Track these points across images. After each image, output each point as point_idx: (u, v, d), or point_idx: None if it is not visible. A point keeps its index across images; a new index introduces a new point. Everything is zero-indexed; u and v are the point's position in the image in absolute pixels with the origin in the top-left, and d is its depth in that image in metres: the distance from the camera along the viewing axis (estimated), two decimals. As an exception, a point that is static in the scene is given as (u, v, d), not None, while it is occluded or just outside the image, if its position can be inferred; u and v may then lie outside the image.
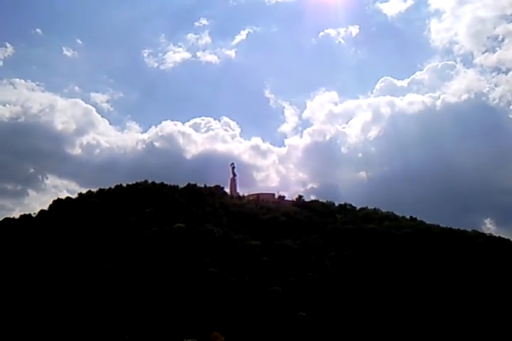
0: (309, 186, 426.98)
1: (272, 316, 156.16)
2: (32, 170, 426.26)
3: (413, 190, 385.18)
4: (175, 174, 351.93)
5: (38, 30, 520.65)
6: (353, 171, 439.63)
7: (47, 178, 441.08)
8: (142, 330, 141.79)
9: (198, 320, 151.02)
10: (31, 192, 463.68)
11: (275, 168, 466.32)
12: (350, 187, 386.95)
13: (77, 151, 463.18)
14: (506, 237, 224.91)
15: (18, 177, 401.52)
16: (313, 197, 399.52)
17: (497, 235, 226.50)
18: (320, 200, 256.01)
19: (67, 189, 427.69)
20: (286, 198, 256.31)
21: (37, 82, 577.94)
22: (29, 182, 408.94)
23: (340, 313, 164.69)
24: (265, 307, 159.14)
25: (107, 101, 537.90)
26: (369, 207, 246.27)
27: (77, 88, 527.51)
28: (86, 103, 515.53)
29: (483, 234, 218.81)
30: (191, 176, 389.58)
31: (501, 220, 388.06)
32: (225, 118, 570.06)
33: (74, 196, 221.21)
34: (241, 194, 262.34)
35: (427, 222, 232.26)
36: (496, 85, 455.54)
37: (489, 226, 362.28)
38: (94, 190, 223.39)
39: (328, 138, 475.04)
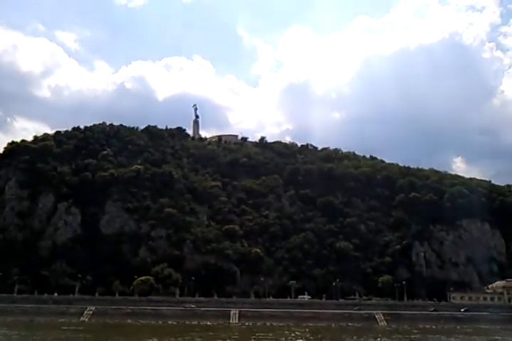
0: (285, 127, 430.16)
1: (229, 254, 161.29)
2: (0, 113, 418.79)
3: (386, 131, 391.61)
4: (147, 116, 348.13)
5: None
6: (327, 112, 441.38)
7: (16, 121, 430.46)
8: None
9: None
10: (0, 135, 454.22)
11: (249, 108, 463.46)
12: (325, 127, 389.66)
13: (45, 93, 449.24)
14: (474, 175, 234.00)
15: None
16: (288, 138, 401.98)
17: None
18: (282, 141, 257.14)
19: (38, 131, 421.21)
20: (249, 140, 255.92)
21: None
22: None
23: (295, 250, 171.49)
24: (223, 245, 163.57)
25: (75, 41, 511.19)
26: (330, 148, 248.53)
27: (41, 26, 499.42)
28: (52, 42, 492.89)
29: (439, 172, 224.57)
30: (164, 118, 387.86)
31: (471, 159, 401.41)
32: (198, 57, 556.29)
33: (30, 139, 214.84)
34: (203, 136, 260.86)
35: (387, 161, 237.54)
36: (470, 24, 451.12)
37: (459, 165, 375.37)
38: (50, 132, 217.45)
39: (302, 78, 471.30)
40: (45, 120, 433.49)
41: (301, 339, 68.73)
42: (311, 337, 72.00)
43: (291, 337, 71.23)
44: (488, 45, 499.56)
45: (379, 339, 71.94)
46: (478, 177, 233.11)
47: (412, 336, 77.78)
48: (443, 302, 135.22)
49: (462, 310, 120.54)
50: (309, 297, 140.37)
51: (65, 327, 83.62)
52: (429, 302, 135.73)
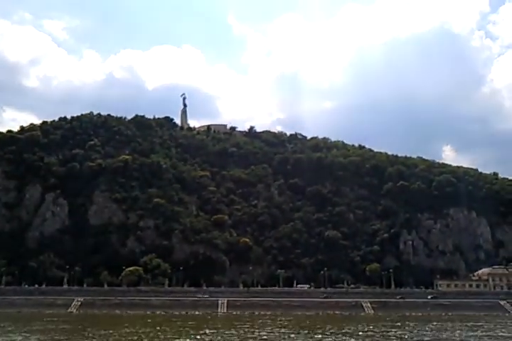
0: (276, 116, 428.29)
1: (218, 243, 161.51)
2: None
3: (376, 119, 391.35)
4: (137, 106, 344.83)
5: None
6: (318, 101, 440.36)
7: (4, 111, 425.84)
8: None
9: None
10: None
11: (240, 98, 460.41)
12: (316, 116, 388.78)
13: (34, 83, 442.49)
14: (463, 163, 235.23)
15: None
16: (279, 128, 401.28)
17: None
18: (271, 131, 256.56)
19: (27, 122, 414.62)
20: (239, 129, 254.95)
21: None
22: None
23: (284, 239, 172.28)
24: (212, 235, 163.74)
25: (63, 29, 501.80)
26: (319, 137, 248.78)
27: (28, 15, 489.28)
28: (39, 31, 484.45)
29: (427, 161, 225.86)
30: (154, 108, 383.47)
31: (461, 147, 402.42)
32: (188, 46, 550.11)
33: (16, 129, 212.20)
34: (193, 125, 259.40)
35: (375, 150, 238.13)
36: (459, 12, 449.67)
37: (448, 153, 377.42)
38: (36, 122, 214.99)
39: (293, 67, 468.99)
40: (34, 110, 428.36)
41: (279, 328, 69.00)
42: (289, 326, 72.34)
43: (271, 326, 71.57)
44: (478, 34, 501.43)
45: (360, 326, 72.59)
46: (467, 166, 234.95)
47: (397, 323, 78.43)
48: (429, 290, 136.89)
49: (429, 297, 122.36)
50: (308, 286, 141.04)
51: (48, 319, 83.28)
52: (416, 290, 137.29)
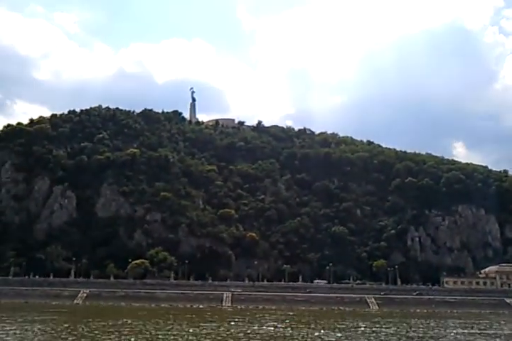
0: (285, 111, 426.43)
1: (225, 237, 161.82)
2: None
3: (387, 115, 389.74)
4: (146, 99, 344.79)
5: None
6: (328, 96, 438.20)
7: (16, 104, 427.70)
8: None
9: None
10: (0, 118, 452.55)
11: (250, 92, 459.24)
12: (326, 111, 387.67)
13: (45, 76, 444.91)
14: (475, 160, 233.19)
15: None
16: (289, 123, 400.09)
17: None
18: (279, 125, 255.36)
19: (38, 114, 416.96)
20: (247, 124, 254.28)
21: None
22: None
23: (291, 234, 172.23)
24: (219, 229, 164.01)
25: (74, 22, 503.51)
26: (328, 132, 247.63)
27: (40, 8, 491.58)
28: (51, 24, 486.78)
29: (436, 157, 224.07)
30: (164, 101, 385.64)
31: (472, 144, 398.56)
32: (198, 40, 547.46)
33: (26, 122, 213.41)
34: (201, 119, 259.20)
35: (384, 146, 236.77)
36: (473, 7, 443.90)
37: (460, 150, 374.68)
38: (47, 115, 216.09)
39: (303, 61, 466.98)
40: (44, 103, 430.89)
41: (275, 322, 68.94)
42: (286, 321, 72.24)
43: (267, 321, 71.56)
44: (491, 29, 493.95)
45: (356, 322, 72.31)
46: (479, 163, 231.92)
47: (397, 320, 78.08)
48: (435, 287, 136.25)
49: (414, 293, 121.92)
50: (325, 281, 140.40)
51: (51, 310, 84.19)
52: (422, 286, 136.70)
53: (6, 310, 79.75)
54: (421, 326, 69.18)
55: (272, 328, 60.57)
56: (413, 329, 64.46)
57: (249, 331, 56.43)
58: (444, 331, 63.23)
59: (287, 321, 72.13)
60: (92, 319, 65.74)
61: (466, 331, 63.11)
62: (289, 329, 60.81)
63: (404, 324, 71.46)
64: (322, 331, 57.91)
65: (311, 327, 63.40)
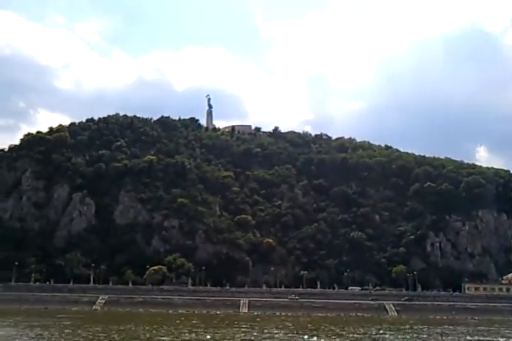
0: (304, 117, 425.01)
1: (241, 243, 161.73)
2: (23, 105, 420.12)
3: (406, 120, 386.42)
4: (165, 107, 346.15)
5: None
6: (346, 102, 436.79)
7: (38, 113, 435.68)
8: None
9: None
10: (24, 127, 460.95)
11: (268, 98, 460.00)
12: (344, 117, 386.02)
13: (66, 85, 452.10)
14: (498, 164, 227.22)
15: (9, 113, 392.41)
16: (307, 128, 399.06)
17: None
18: (296, 131, 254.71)
19: (59, 123, 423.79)
20: (263, 130, 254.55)
21: (17, 12, 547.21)
22: (21, 116, 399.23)
23: (308, 240, 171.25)
24: (235, 235, 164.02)
25: (94, 32, 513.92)
26: (345, 137, 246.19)
27: (60, 18, 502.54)
28: (72, 34, 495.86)
29: (455, 161, 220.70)
30: (182, 109, 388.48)
31: (494, 147, 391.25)
32: (216, 47, 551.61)
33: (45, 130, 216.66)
34: (218, 126, 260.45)
35: (402, 150, 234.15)
36: (493, 9, 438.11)
37: (482, 154, 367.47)
38: (65, 124, 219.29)
39: (321, 67, 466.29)
40: (66, 111, 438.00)
41: (280, 329, 68.29)
42: (296, 327, 71.49)
43: (274, 327, 70.99)
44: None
45: (368, 328, 71.36)
46: (502, 167, 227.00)
47: (415, 327, 76.68)
48: (456, 293, 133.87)
49: (403, 299, 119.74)
50: (359, 288, 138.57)
51: (63, 315, 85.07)
52: (443, 293, 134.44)
53: (17, 315, 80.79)
54: (432, 333, 68.01)
55: (285, 334, 60.06)
56: (423, 335, 63.21)
57: (260, 337, 56.02)
58: (457, 338, 61.89)
59: (298, 327, 71.45)
60: (96, 324, 66.14)
61: (482, 338, 61.74)
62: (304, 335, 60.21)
63: (417, 330, 70.25)
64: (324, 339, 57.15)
65: (315, 334, 62.39)
